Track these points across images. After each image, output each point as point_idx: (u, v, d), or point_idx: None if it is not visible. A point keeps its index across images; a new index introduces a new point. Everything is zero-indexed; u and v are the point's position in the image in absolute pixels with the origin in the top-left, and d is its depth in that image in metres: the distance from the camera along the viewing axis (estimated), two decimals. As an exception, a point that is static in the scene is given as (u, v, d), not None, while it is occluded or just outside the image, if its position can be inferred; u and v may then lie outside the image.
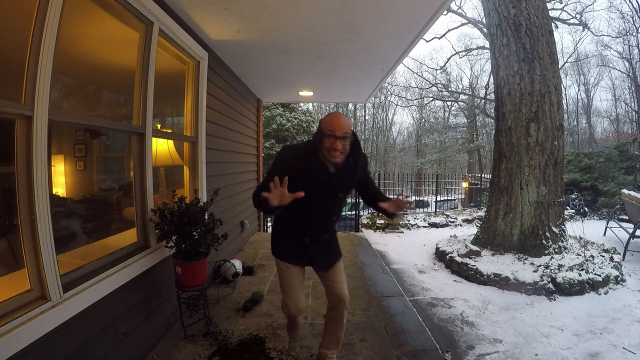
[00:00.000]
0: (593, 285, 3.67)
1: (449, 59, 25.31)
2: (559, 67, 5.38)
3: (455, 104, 24.41)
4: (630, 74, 19.75)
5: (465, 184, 12.26)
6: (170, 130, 3.31)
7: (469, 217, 7.82)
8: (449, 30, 19.24)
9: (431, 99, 25.15)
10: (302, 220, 1.70)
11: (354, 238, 5.54)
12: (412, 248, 5.60)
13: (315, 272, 1.86)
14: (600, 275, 3.74)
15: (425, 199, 11.12)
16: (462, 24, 18.61)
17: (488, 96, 20.20)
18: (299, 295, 1.80)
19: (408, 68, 24.32)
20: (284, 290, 1.80)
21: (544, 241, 4.44)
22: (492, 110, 12.35)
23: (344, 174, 1.66)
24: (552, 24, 6.47)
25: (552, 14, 15.03)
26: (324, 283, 1.84)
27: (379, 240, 6.22)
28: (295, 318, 1.88)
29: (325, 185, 1.62)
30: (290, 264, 1.76)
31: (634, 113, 20.32)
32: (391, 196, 1.89)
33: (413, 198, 11.82)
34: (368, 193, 1.87)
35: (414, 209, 2.13)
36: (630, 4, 16.46)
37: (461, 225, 7.49)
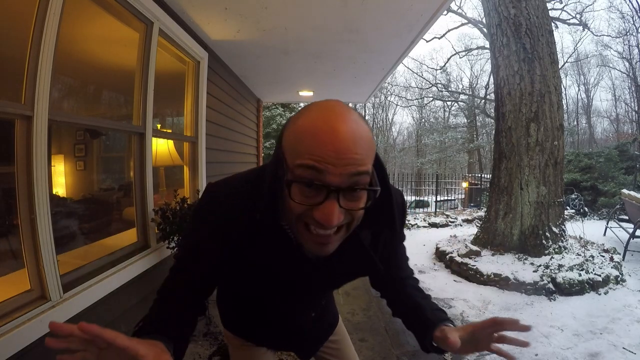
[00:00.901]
0: (593, 285, 3.66)
1: (449, 59, 25.31)
2: (559, 67, 5.37)
3: (455, 104, 24.44)
4: (630, 74, 19.79)
5: (465, 184, 12.26)
6: (170, 130, 3.32)
7: (469, 217, 7.81)
8: (449, 30, 19.31)
9: (431, 99, 25.21)
10: (267, 320, 0.95)
11: (354, 238, 5.52)
12: (412, 248, 5.59)
13: None
14: (600, 275, 3.73)
15: (425, 199, 11.13)
16: (462, 24, 18.66)
17: (488, 96, 20.22)
18: None
19: (408, 68, 24.36)
20: None
21: (544, 241, 4.44)
22: (492, 110, 12.35)
23: (343, 270, 0.76)
24: (552, 24, 6.47)
25: (552, 14, 15.03)
26: None
27: (379, 240, 6.22)
28: None
29: (303, 286, 0.78)
30: (252, 343, 1.02)
31: (634, 113, 20.34)
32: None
33: (419, 202, 11.76)
34: (388, 283, 0.89)
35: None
36: (630, 4, 16.49)
37: (461, 225, 7.48)
